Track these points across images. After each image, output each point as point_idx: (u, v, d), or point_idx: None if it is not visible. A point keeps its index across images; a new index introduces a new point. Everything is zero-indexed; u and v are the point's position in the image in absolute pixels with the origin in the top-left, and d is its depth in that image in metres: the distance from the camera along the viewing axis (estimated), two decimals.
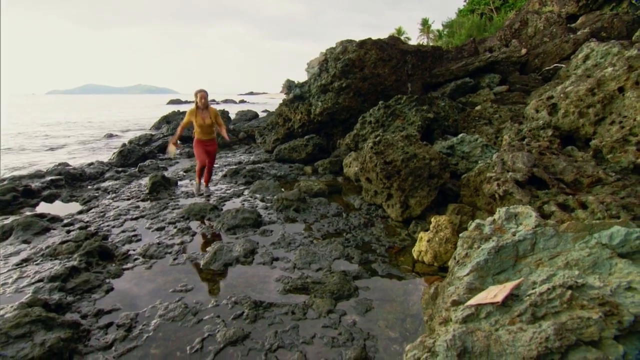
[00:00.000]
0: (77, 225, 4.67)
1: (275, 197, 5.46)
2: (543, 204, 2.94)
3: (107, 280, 3.27)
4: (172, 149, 6.02)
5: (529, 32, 13.66)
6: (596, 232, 1.48)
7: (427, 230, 3.83)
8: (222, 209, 5.32)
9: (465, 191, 4.58)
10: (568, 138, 4.68)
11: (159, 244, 4.14)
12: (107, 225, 4.70)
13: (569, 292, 1.16)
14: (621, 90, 3.76)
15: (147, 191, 6.32)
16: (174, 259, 3.80)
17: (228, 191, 6.38)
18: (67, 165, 8.13)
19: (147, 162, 8.89)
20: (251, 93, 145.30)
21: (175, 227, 4.67)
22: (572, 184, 3.01)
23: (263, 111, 26.35)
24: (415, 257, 3.68)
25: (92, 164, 8.60)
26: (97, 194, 6.25)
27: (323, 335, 2.54)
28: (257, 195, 6.02)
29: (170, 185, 6.67)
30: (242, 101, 65.93)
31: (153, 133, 13.70)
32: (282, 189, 6.33)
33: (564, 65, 7.77)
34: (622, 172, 2.87)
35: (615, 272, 1.29)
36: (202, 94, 5.62)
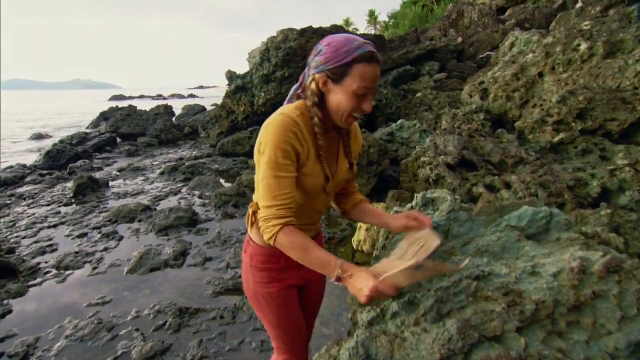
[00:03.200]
0: None
1: (213, 193, 5.15)
2: (472, 186, 2.97)
3: (5, 302, 2.83)
4: None
5: (465, 23, 14.25)
6: (506, 213, 1.45)
7: None
8: (155, 209, 4.92)
9: (404, 177, 4.58)
10: (498, 121, 4.85)
11: (77, 252, 3.73)
12: (16, 237, 4.15)
13: (475, 283, 1.08)
14: (540, 75, 3.92)
15: (71, 194, 5.73)
16: (94, 268, 3.42)
17: (164, 189, 5.96)
18: None
19: (79, 162, 8.08)
20: (200, 87, 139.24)
21: (100, 233, 4.24)
22: (499, 164, 3.08)
23: (212, 105, 25.10)
24: (354, 246, 3.61)
25: (10, 167, 7.64)
26: (9, 201, 5.54)
27: (252, 339, 2.37)
28: (196, 192, 5.67)
29: (100, 187, 6.10)
30: (191, 95, 62.46)
31: (88, 131, 12.48)
32: (229, 184, 6.02)
33: (494, 53, 8.14)
34: (541, 151, 2.98)
35: (522, 256, 1.24)
36: (375, 72, 1.03)
